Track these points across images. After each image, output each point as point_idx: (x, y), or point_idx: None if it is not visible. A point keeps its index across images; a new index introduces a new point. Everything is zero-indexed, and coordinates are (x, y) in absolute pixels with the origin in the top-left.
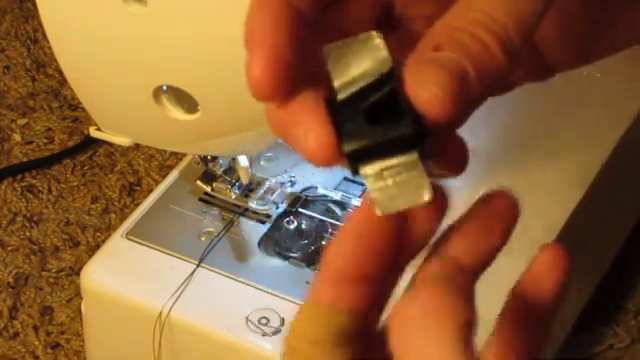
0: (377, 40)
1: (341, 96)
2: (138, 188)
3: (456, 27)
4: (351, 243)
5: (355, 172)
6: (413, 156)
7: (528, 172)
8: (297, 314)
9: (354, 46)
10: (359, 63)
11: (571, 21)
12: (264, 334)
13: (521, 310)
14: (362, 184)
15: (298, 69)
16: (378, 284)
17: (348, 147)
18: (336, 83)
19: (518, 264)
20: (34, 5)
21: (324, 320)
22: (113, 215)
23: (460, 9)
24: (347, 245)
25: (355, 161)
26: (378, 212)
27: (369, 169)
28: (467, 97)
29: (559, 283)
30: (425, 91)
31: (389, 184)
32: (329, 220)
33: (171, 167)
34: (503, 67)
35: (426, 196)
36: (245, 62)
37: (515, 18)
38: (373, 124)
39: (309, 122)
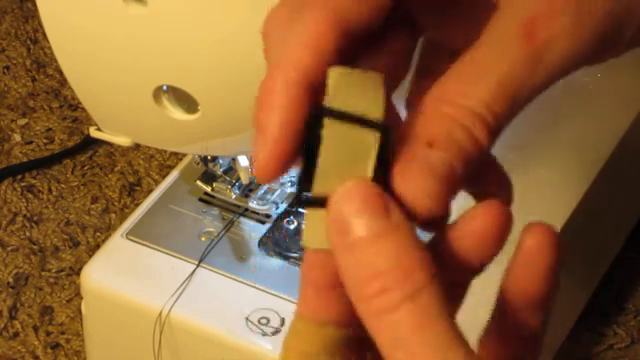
0: (379, 85)
1: (326, 115)
2: (138, 188)
3: (453, 120)
4: (323, 254)
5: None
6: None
7: (528, 172)
8: (289, 329)
9: (357, 78)
10: (356, 96)
11: None
12: (264, 334)
13: (513, 305)
14: None
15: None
16: None
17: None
18: (326, 101)
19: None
20: (34, 5)
21: (312, 333)
22: (113, 215)
23: (460, 91)
24: (320, 256)
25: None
26: (302, 243)
27: (314, 212)
28: (451, 194)
29: (551, 267)
30: (411, 195)
31: (324, 226)
32: None
33: (171, 167)
34: (486, 150)
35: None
36: (255, 144)
37: (514, 105)
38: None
39: (271, 146)
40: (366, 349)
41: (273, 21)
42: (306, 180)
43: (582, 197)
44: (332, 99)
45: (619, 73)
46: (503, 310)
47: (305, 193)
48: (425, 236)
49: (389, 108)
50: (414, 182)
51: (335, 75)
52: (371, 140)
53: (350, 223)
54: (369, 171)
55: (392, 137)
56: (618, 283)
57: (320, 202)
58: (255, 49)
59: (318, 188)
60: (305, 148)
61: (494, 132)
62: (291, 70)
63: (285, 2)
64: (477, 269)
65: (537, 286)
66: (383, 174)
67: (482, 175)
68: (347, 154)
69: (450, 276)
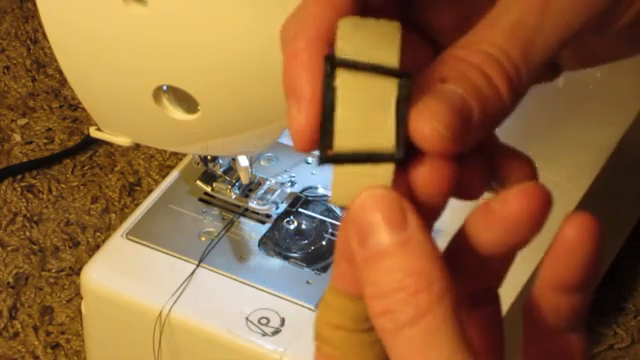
0: (396, 33)
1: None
2: (138, 188)
3: (466, 61)
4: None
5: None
6: (388, 169)
7: None
8: (321, 301)
9: (372, 27)
10: (369, 43)
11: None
12: (264, 334)
13: (550, 295)
14: None
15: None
16: None
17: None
18: (339, 43)
19: (518, 264)
20: (34, 5)
21: (342, 306)
22: (113, 215)
23: (473, 39)
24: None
25: (331, 161)
26: (330, 200)
27: (341, 168)
28: (468, 135)
29: (591, 257)
30: (426, 125)
31: (351, 182)
32: (329, 220)
33: (171, 167)
34: (508, 108)
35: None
36: (287, 111)
37: (528, 56)
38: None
39: (304, 106)
40: None
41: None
42: (326, 135)
43: (582, 197)
44: (343, 49)
45: (619, 73)
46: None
47: (328, 150)
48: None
49: (406, 57)
50: (427, 112)
51: (345, 25)
52: (389, 88)
53: (366, 236)
54: (390, 121)
55: (411, 84)
56: (618, 283)
57: (345, 158)
58: (255, 49)
59: (340, 143)
60: (322, 102)
61: (514, 84)
62: (311, 27)
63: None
64: (508, 256)
65: (577, 275)
66: (404, 124)
67: (503, 159)
68: (366, 105)
69: (469, 284)
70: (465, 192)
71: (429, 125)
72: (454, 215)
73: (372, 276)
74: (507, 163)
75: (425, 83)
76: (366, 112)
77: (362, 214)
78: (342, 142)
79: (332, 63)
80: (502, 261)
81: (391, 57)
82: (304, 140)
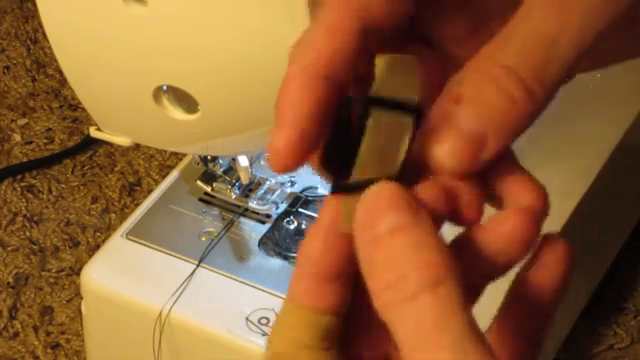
0: (413, 67)
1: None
2: (138, 188)
3: (484, 75)
4: (323, 241)
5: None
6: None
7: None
8: (279, 317)
9: (398, 63)
10: (395, 81)
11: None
12: (264, 334)
13: (522, 307)
14: None
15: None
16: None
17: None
18: (374, 90)
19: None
20: (34, 5)
21: (308, 323)
22: (113, 215)
23: (491, 52)
24: (320, 243)
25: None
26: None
27: (350, 196)
28: (483, 156)
29: (562, 278)
30: (440, 152)
31: (352, 210)
32: None
33: (171, 167)
34: (527, 124)
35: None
36: (271, 131)
37: (548, 68)
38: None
39: (285, 128)
40: (367, 342)
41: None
42: (347, 168)
43: (582, 197)
44: (379, 87)
45: (619, 73)
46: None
47: (344, 181)
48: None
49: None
50: (437, 142)
51: (381, 62)
52: (407, 123)
53: (376, 218)
54: (401, 155)
55: (423, 120)
56: (618, 283)
57: (356, 188)
58: (255, 49)
59: (356, 175)
60: (346, 137)
61: (535, 97)
62: (309, 56)
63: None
64: (498, 271)
65: (551, 287)
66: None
67: (510, 181)
68: (384, 139)
69: (469, 278)
70: (461, 215)
71: (442, 153)
72: None
73: (387, 250)
74: (512, 188)
75: (442, 104)
76: (384, 146)
77: (375, 198)
78: (359, 174)
79: (366, 102)
80: (499, 268)
81: (411, 93)
82: (279, 161)
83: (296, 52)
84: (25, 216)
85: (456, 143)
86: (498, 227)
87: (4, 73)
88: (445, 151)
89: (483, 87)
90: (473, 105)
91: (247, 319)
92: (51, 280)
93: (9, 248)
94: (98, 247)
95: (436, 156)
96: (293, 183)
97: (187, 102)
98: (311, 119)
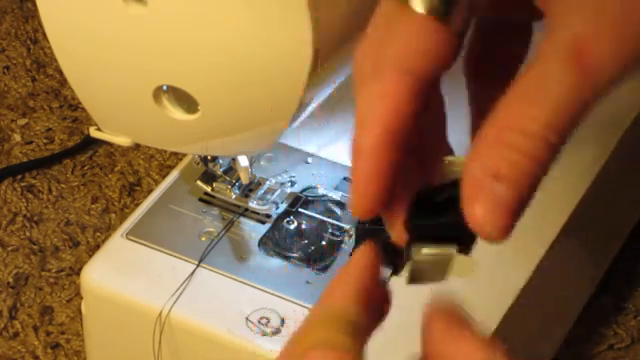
0: (459, 166)
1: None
2: (138, 188)
3: (514, 146)
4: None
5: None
6: (452, 250)
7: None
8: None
9: (448, 163)
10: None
11: None
12: (264, 334)
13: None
14: None
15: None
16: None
17: (413, 222)
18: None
19: (519, 263)
20: (34, 5)
21: (336, 322)
22: (113, 215)
23: (516, 115)
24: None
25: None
26: (406, 282)
27: (418, 251)
28: (517, 213)
29: None
30: (481, 224)
31: (425, 264)
32: (329, 220)
33: (171, 167)
34: (549, 167)
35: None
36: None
37: (569, 123)
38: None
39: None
40: None
41: (362, 53)
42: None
43: (582, 197)
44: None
45: None
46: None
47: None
48: None
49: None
50: (481, 215)
51: (444, 163)
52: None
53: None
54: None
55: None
56: (618, 283)
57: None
58: (255, 49)
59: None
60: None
61: (556, 149)
62: (375, 128)
63: (371, 36)
64: None
65: None
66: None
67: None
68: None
69: None
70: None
71: (481, 226)
72: None
73: None
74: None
75: (477, 170)
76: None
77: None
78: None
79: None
80: None
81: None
82: (359, 213)
83: (362, 125)
84: (25, 216)
85: (501, 218)
86: None
87: (4, 73)
88: (491, 225)
89: (518, 161)
90: (510, 180)
91: (247, 319)
92: (51, 280)
93: (9, 248)
94: (98, 247)
95: (482, 227)
96: (293, 183)
97: (187, 102)
98: (382, 179)
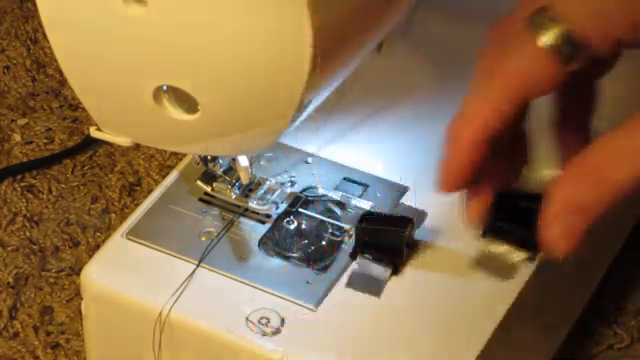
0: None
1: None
2: (138, 188)
3: (595, 186)
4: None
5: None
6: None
7: (527, 172)
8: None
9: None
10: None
11: None
12: (264, 334)
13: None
14: (362, 184)
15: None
16: None
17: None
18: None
19: (518, 263)
20: (34, 5)
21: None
22: (113, 215)
23: (599, 165)
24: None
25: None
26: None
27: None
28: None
29: None
30: (556, 247)
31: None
32: (329, 220)
33: (171, 167)
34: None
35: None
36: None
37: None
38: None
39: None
40: None
41: (484, 57)
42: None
43: None
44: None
45: (619, 73)
46: None
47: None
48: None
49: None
50: (556, 241)
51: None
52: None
53: None
54: None
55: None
56: (618, 283)
57: None
58: (255, 49)
59: None
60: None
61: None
62: (476, 123)
63: (492, 43)
64: None
65: None
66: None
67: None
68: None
69: None
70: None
71: (556, 248)
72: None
73: None
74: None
75: (558, 203)
76: None
77: None
78: None
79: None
80: None
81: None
82: (450, 182)
83: (464, 116)
84: (25, 216)
85: (574, 244)
86: None
87: (4, 73)
88: (566, 249)
89: (600, 199)
90: (588, 214)
91: (247, 319)
92: (51, 280)
93: (9, 248)
94: (98, 247)
95: (556, 249)
96: (293, 183)
97: (187, 102)
98: (471, 167)
